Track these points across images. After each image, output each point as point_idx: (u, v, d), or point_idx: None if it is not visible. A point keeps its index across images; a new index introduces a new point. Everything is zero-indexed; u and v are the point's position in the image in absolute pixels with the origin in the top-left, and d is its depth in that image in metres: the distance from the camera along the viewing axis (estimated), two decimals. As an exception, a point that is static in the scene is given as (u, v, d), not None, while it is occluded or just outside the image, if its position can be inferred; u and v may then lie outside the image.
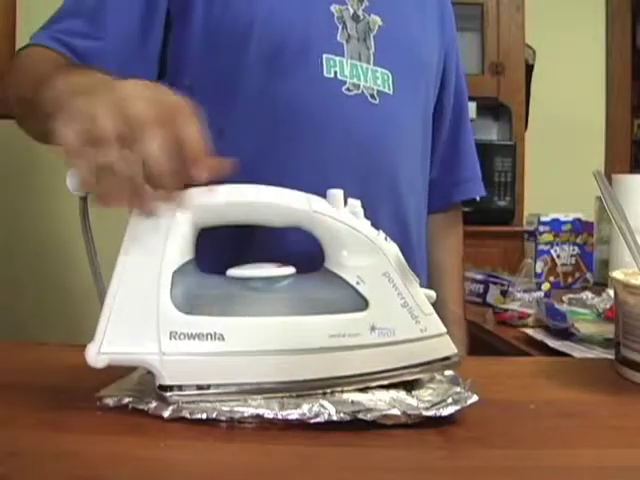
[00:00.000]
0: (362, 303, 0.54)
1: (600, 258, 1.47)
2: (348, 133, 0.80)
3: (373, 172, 0.82)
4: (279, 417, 0.50)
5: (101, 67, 0.72)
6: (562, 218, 1.43)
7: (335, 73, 0.80)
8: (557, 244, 1.41)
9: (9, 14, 1.19)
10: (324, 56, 0.79)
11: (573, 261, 1.41)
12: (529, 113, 2.58)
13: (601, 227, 1.49)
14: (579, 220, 1.47)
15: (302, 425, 0.49)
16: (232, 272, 0.55)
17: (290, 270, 0.55)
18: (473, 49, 2.36)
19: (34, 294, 2.00)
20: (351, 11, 0.83)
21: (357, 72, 0.81)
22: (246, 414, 0.50)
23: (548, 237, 1.39)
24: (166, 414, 0.50)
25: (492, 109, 2.49)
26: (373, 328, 0.53)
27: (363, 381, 0.53)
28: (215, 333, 0.51)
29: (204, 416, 0.50)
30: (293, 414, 0.50)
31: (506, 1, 2.38)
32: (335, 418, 0.49)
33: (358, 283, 0.54)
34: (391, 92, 0.83)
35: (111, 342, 0.51)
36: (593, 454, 0.48)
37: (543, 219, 1.44)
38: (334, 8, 0.81)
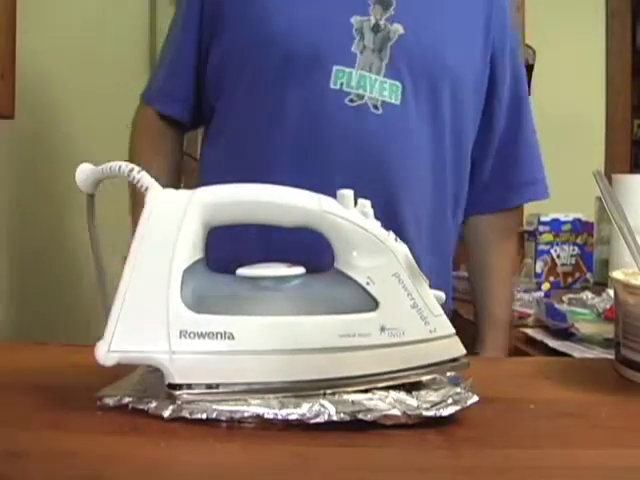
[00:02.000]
0: (372, 303, 0.54)
1: (600, 258, 1.47)
2: (347, 141, 0.83)
3: (369, 178, 0.83)
4: (279, 417, 0.50)
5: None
6: (562, 218, 1.43)
7: (341, 85, 0.83)
8: (557, 244, 1.41)
9: (9, 13, 1.19)
10: (334, 68, 0.82)
11: (573, 261, 1.42)
12: (529, 113, 2.58)
13: (601, 227, 1.48)
14: (579, 220, 1.47)
15: (302, 425, 0.49)
16: (242, 271, 0.55)
17: (300, 270, 0.55)
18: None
19: (34, 293, 2.00)
20: (372, 22, 0.84)
21: (364, 83, 0.83)
22: (246, 414, 0.50)
23: (548, 237, 1.40)
24: (166, 414, 0.50)
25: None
26: (383, 328, 0.53)
27: (372, 381, 0.53)
28: (225, 332, 0.51)
29: (204, 416, 0.50)
30: (293, 414, 0.50)
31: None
32: (335, 418, 0.49)
33: (368, 283, 0.54)
34: (398, 102, 0.85)
35: (121, 340, 0.51)
36: (593, 454, 0.48)
37: (543, 219, 1.44)
38: (354, 19, 0.83)
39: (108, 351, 0.51)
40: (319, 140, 0.84)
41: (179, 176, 1.01)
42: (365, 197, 0.76)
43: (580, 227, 1.45)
